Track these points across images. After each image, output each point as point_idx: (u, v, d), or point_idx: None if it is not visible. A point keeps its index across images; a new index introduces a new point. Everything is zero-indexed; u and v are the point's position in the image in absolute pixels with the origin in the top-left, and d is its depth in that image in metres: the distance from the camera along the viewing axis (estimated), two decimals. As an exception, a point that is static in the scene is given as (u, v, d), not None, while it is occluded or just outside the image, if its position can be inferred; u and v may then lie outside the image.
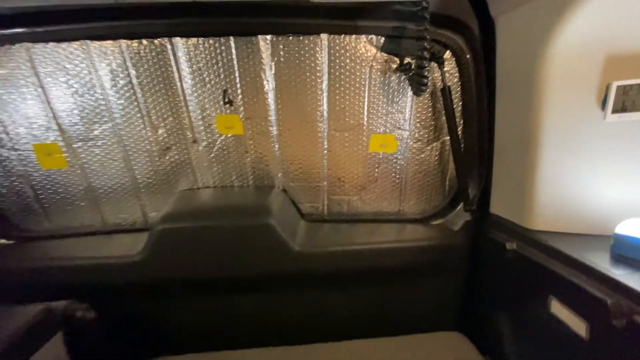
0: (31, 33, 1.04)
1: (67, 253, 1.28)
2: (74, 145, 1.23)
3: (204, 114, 1.24)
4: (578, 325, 0.81)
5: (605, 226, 0.90)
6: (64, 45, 1.08)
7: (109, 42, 1.09)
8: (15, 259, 1.27)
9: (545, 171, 0.97)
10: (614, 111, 0.82)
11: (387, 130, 1.29)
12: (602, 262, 0.81)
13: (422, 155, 1.35)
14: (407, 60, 1.15)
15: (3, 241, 1.31)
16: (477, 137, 1.24)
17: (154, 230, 1.19)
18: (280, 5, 0.99)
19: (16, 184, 1.27)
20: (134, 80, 1.15)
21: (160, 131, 1.25)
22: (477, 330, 1.31)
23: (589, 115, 0.86)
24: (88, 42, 1.09)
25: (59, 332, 1.03)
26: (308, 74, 1.19)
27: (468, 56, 1.13)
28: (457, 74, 1.20)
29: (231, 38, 1.12)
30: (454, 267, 1.35)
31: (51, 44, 1.08)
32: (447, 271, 1.36)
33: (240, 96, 1.22)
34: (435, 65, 1.16)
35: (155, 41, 1.10)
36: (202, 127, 1.26)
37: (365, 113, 1.26)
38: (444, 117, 1.23)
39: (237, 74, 1.18)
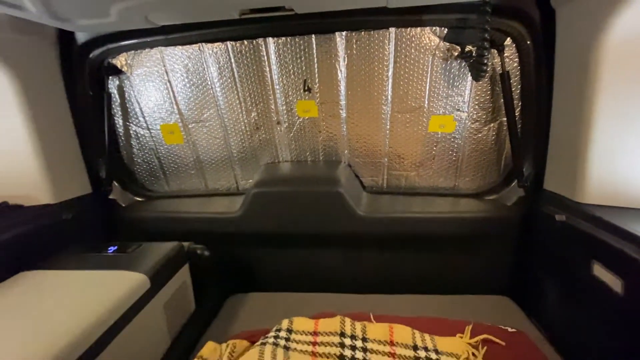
0: (164, 39, 1.37)
1: (182, 209, 1.66)
2: (189, 126, 1.58)
3: (287, 100, 1.49)
4: (615, 283, 0.93)
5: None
6: (186, 47, 1.40)
7: (219, 43, 1.38)
8: (146, 211, 1.69)
9: (598, 149, 1.05)
10: (669, 93, 0.89)
11: (447, 112, 1.43)
12: None
13: (479, 135, 1.46)
14: (468, 48, 1.27)
15: (136, 198, 1.73)
16: (535, 118, 1.32)
17: (249, 194, 1.51)
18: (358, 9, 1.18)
19: (147, 155, 1.68)
20: (235, 74, 1.44)
21: (252, 114, 1.54)
22: (524, 294, 1.44)
23: (644, 97, 0.93)
24: (203, 44, 1.39)
25: (186, 263, 1.40)
26: (376, 63, 1.38)
27: (529, 42, 1.22)
28: (517, 59, 1.29)
29: (313, 35, 1.34)
30: (505, 237, 1.48)
31: (178, 47, 1.40)
32: (499, 241, 1.49)
33: (317, 84, 1.45)
34: (495, 51, 1.27)
35: (254, 41, 1.36)
36: (285, 111, 1.52)
37: (427, 96, 1.41)
38: (501, 100, 1.34)
39: (315, 66, 1.41)
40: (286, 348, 0.90)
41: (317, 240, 1.57)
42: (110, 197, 1.66)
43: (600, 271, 1.00)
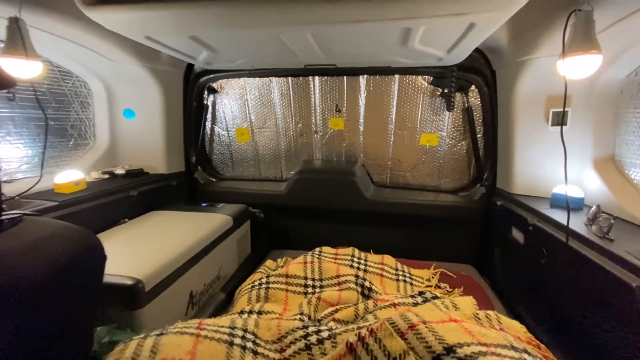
0: (248, 73, 2.12)
1: (242, 187, 2.36)
2: (255, 130, 2.31)
3: (324, 117, 2.20)
4: (520, 238, 1.53)
5: (549, 190, 1.58)
6: (261, 79, 2.16)
7: (283, 78, 2.13)
8: (217, 187, 2.40)
9: (519, 159, 1.68)
10: (552, 125, 1.52)
11: (432, 131, 2.09)
12: (542, 208, 1.50)
13: (455, 149, 2.11)
14: (445, 90, 1.95)
15: (210, 178, 2.46)
16: (491, 139, 1.96)
17: (292, 179, 2.19)
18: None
19: (223, 149, 2.42)
20: (291, 98, 2.17)
21: (299, 125, 2.25)
22: (482, 263, 2.01)
23: (541, 127, 1.57)
24: (273, 77, 2.14)
25: (248, 220, 2.08)
26: (385, 96, 2.07)
27: (485, 89, 1.88)
28: (479, 99, 1.95)
29: (345, 77, 2.06)
30: (472, 222, 2.07)
31: (256, 78, 2.16)
32: (467, 224, 2.08)
33: (345, 108, 2.15)
34: (463, 93, 1.94)
35: (306, 78, 2.10)
36: (321, 124, 2.23)
37: (419, 120, 2.08)
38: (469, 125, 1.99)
39: (345, 96, 2.12)
40: (319, 258, 1.54)
41: (337, 215, 2.22)
42: (194, 175, 2.39)
43: (515, 232, 1.60)
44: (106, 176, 1.91)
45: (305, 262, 1.47)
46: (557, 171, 1.58)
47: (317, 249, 1.68)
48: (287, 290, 1.36)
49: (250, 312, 1.20)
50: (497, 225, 1.87)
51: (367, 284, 1.33)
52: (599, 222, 1.16)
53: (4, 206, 0.87)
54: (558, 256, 1.27)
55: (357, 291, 1.31)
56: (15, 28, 1.10)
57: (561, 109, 1.50)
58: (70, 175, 1.61)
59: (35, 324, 0.79)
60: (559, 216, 1.37)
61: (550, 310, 1.35)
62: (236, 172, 2.48)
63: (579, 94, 1.48)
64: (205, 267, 1.57)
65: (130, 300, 1.13)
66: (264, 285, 1.36)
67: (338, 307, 1.18)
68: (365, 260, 1.63)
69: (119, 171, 1.94)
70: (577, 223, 1.27)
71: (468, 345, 0.58)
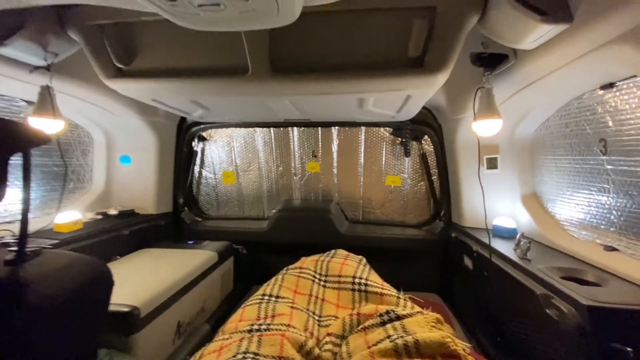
0: (235, 124, 2.42)
1: (227, 226, 2.55)
2: (240, 173, 2.56)
3: (302, 161, 2.50)
4: (470, 264, 1.79)
5: (490, 223, 1.88)
6: (246, 128, 2.46)
7: (266, 128, 2.44)
8: (202, 227, 2.57)
9: (466, 197, 2.00)
10: (487, 168, 1.87)
11: (396, 173, 2.42)
12: (484, 238, 1.79)
13: (416, 189, 2.42)
14: (403, 139, 2.31)
15: (197, 218, 2.63)
16: (445, 180, 2.29)
17: (273, 217, 2.41)
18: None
19: (209, 190, 2.63)
20: (273, 145, 2.47)
21: (280, 169, 2.53)
22: (446, 291, 2.24)
23: (478, 169, 1.92)
24: (257, 128, 2.45)
25: (232, 256, 2.25)
26: (354, 144, 2.41)
27: (436, 138, 2.25)
28: (432, 146, 2.31)
29: (319, 128, 2.40)
30: (434, 253, 2.32)
31: (242, 129, 2.46)
32: (430, 255, 2.33)
33: (320, 153, 2.47)
34: (418, 142, 2.30)
35: (286, 128, 2.42)
36: (300, 168, 2.51)
37: (383, 164, 2.41)
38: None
39: (320, 143, 2.44)
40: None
41: (315, 249, 2.41)
42: (181, 216, 2.56)
43: (466, 260, 1.86)
44: (100, 216, 2.07)
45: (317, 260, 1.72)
46: (496, 206, 1.90)
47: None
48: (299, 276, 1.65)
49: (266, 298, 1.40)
50: (453, 255, 2.13)
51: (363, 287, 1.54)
52: (521, 245, 1.44)
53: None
54: (493, 275, 1.53)
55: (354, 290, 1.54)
56: (46, 94, 1.34)
57: (493, 156, 1.86)
58: (69, 216, 1.77)
59: (58, 340, 0.94)
60: (498, 244, 1.66)
61: (494, 324, 1.57)
62: (221, 211, 2.68)
63: (504, 143, 1.86)
64: (192, 299, 1.71)
65: (126, 326, 1.27)
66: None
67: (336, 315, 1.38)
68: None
69: (112, 212, 2.10)
70: (508, 248, 1.55)
71: None
